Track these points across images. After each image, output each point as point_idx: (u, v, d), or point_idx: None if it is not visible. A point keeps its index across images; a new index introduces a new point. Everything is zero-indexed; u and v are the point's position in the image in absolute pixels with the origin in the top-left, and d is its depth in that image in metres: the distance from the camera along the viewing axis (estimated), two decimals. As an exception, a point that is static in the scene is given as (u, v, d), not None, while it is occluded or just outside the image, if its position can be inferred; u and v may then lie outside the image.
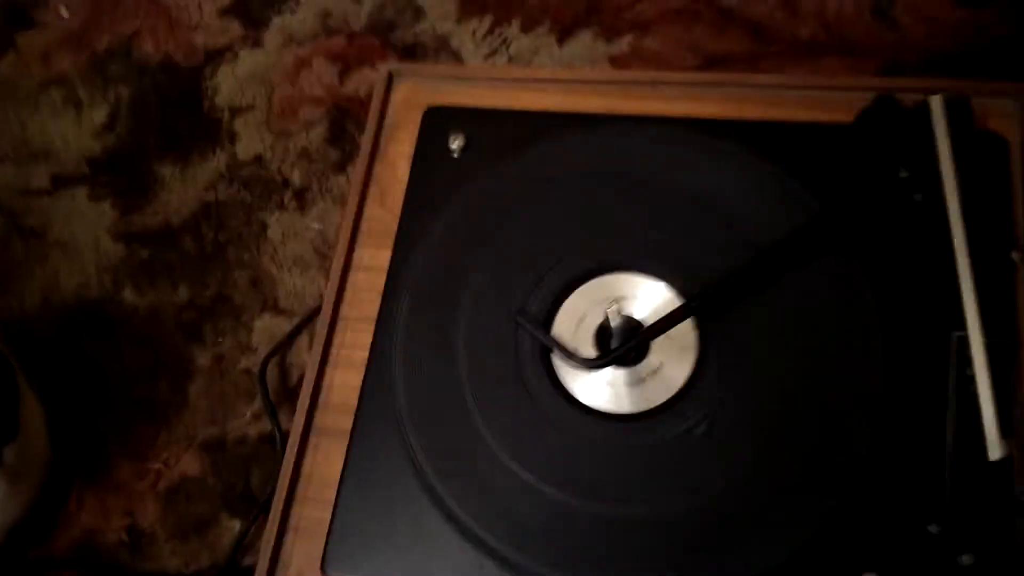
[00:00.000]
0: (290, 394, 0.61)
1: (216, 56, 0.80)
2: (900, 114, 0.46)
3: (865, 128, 0.46)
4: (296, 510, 0.43)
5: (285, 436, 0.54)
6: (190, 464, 0.59)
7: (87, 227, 0.73)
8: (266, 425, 0.59)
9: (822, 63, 0.69)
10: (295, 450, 0.44)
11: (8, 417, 0.55)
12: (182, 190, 0.73)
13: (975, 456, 0.38)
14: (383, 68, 0.55)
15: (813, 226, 0.44)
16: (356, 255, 0.50)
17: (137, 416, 0.62)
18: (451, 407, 0.43)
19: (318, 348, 0.46)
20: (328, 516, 0.42)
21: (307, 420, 0.45)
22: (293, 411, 0.52)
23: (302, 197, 0.70)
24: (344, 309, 0.48)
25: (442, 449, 0.42)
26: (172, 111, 0.79)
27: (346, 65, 0.77)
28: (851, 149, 0.46)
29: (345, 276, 0.49)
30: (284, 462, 0.44)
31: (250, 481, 0.58)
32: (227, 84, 0.78)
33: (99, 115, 0.79)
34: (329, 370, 0.46)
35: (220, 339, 0.64)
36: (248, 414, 0.60)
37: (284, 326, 0.63)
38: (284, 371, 0.61)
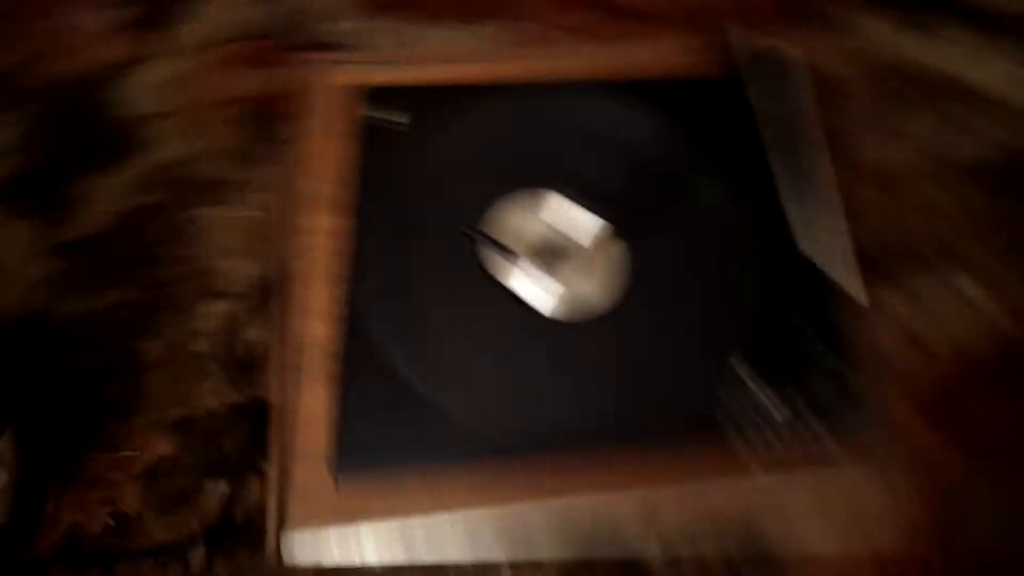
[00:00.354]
0: (245, 366, 0.65)
1: (121, 68, 0.81)
2: (769, 62, 0.60)
3: (739, 78, 0.59)
4: (293, 441, 0.50)
5: (254, 401, 0.60)
6: (163, 445, 0.63)
7: (6, 247, 0.73)
8: (229, 397, 0.63)
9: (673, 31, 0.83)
10: (285, 389, 0.51)
11: (2, 405, 0.57)
12: (104, 199, 0.74)
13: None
14: (312, 57, 0.63)
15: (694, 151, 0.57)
16: (304, 221, 0.57)
17: (99, 414, 0.65)
18: (411, 309, 0.51)
19: (286, 301, 0.53)
20: (321, 443, 0.49)
21: (289, 363, 0.51)
22: (252, 382, 0.58)
23: (229, 190, 0.74)
24: (296, 267, 0.55)
25: (422, 357, 0.50)
26: (81, 125, 0.80)
27: (260, 65, 0.81)
28: (727, 97, 0.58)
29: (298, 239, 0.56)
30: (277, 403, 0.51)
31: (223, 448, 0.62)
32: (137, 93, 0.80)
33: (2, 137, 0.78)
34: (296, 320, 0.53)
35: (166, 330, 0.68)
36: (208, 391, 0.65)
37: (227, 307, 0.67)
38: (236, 346, 0.66)
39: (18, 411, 0.60)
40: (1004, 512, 0.57)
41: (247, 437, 0.62)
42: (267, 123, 0.78)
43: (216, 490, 0.61)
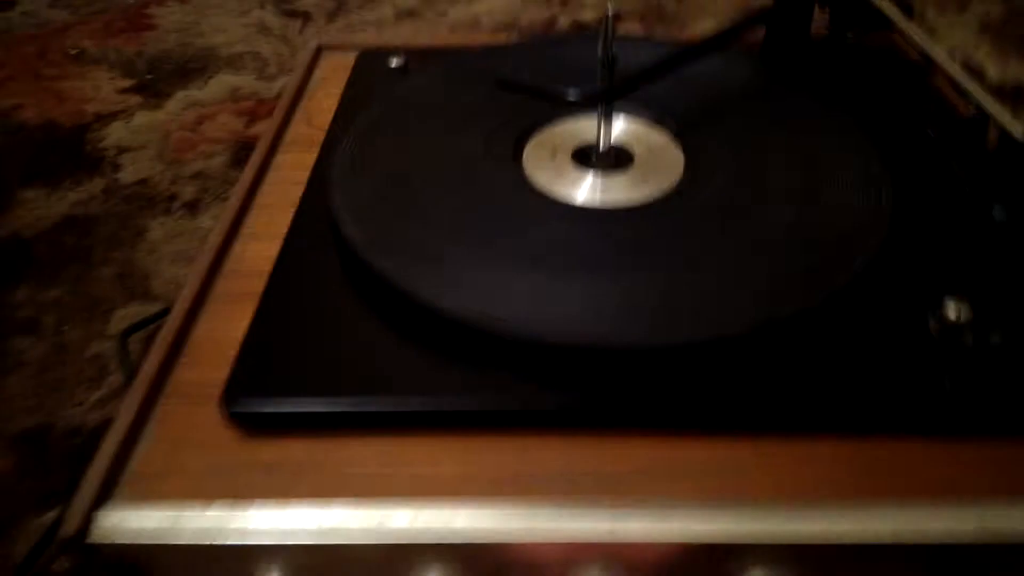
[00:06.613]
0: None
1: (108, 117, 0.72)
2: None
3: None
4: (179, 376, 0.30)
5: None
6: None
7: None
8: (111, 411, 0.44)
9: None
10: (183, 313, 0.32)
11: None
12: (43, 208, 0.60)
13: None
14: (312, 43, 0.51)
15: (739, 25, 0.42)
16: (277, 159, 0.40)
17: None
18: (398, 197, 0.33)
19: (225, 221, 0.35)
20: (226, 375, 0.28)
21: (204, 284, 0.32)
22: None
23: (193, 207, 0.60)
24: (260, 198, 0.37)
25: (389, 244, 0.31)
26: (47, 151, 0.68)
27: (253, 117, 0.72)
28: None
29: (263, 170, 0.39)
30: (167, 326, 0.32)
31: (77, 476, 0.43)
32: (117, 133, 0.70)
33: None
34: (240, 244, 0.34)
35: (64, 328, 0.49)
36: (92, 400, 0.45)
37: (154, 311, 0.49)
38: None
39: None
40: None
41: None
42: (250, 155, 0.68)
43: (41, 526, 0.40)
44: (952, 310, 0.29)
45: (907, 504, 0.26)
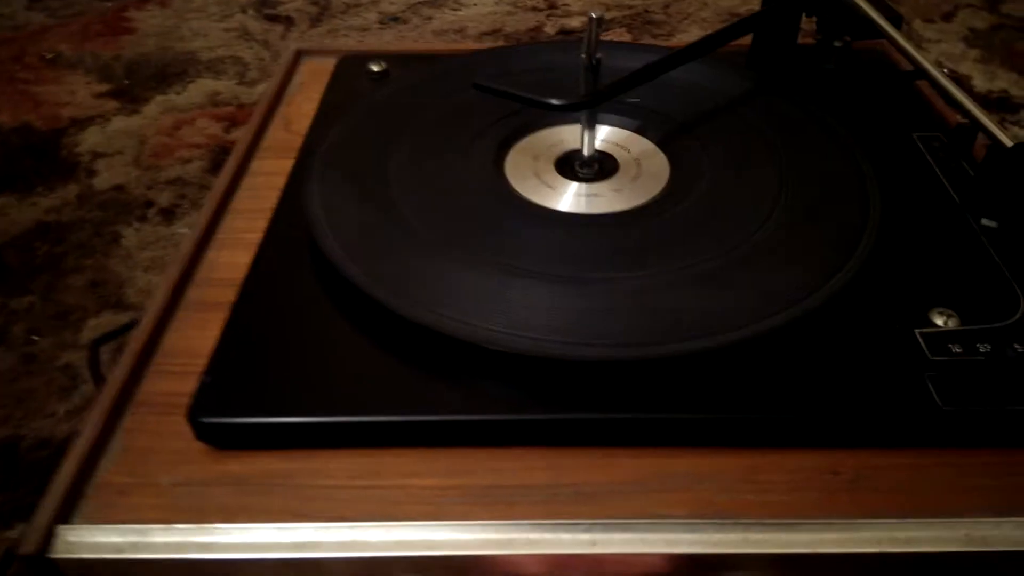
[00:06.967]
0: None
1: (84, 122, 0.72)
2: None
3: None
4: (147, 387, 0.30)
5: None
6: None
7: None
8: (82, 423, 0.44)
9: None
10: (153, 322, 0.32)
11: None
12: (15, 214, 0.60)
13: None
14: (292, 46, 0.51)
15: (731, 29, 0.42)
16: (254, 164, 0.40)
17: None
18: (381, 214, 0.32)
19: (198, 228, 0.35)
20: (195, 387, 0.29)
21: (175, 292, 0.32)
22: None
23: (169, 213, 0.59)
24: (235, 204, 0.37)
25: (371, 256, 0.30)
26: (21, 156, 0.68)
27: (232, 122, 0.72)
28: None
29: (239, 176, 0.39)
30: (136, 336, 0.32)
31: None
32: (93, 138, 0.70)
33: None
34: (214, 251, 0.34)
35: (34, 339, 0.49)
36: (62, 411, 0.44)
37: (127, 320, 0.49)
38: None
39: None
40: None
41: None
42: (219, 160, 0.66)
43: (7, 540, 0.41)
44: (940, 320, 0.29)
45: (894, 515, 0.26)
